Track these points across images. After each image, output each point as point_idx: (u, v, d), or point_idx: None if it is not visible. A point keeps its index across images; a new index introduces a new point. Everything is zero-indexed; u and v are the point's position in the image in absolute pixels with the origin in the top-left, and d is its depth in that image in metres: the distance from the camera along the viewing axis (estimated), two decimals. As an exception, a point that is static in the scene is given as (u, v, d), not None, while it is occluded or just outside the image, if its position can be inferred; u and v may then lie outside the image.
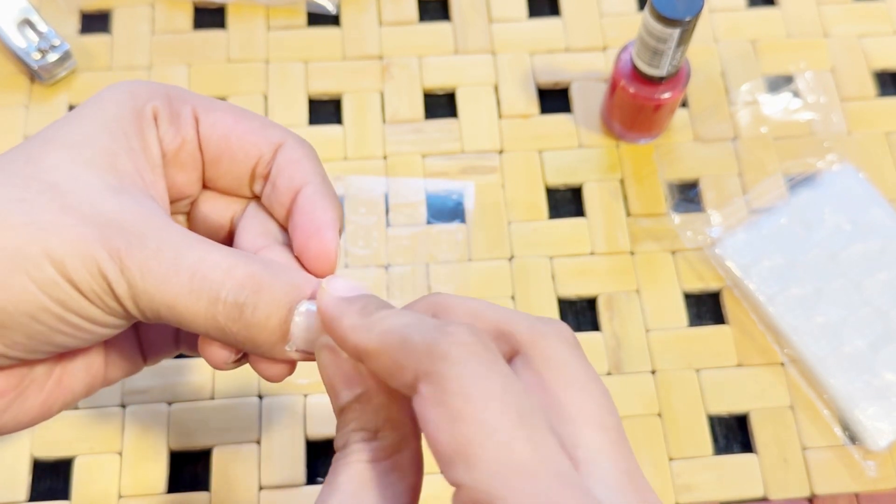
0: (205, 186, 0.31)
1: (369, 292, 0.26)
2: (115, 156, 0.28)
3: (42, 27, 0.47)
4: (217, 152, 0.30)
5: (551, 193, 0.47)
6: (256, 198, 0.31)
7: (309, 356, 0.27)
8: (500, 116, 0.48)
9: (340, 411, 0.25)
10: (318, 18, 0.51)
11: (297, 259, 0.29)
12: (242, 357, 0.28)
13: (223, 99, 0.48)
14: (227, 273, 0.26)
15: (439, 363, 0.22)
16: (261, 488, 0.40)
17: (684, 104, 0.49)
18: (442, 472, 0.22)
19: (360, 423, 0.25)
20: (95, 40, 0.49)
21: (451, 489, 0.21)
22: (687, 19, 0.40)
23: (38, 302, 0.26)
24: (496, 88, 0.49)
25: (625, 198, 0.46)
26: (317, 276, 0.28)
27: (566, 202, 0.47)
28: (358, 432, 0.25)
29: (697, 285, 0.45)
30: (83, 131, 0.28)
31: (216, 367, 0.29)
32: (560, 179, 0.47)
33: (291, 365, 0.28)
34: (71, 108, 0.48)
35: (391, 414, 0.26)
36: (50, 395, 0.31)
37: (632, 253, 0.45)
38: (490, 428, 0.21)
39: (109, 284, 0.26)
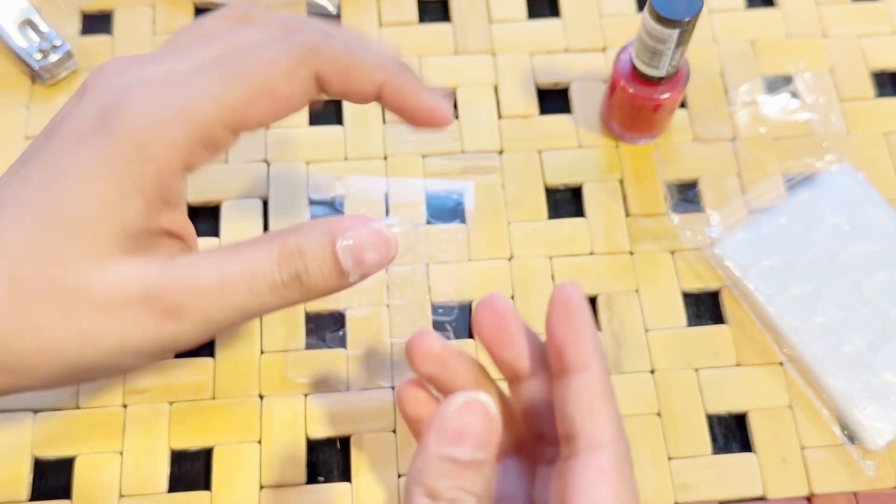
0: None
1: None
2: (126, 225, 0.28)
3: (43, 28, 0.48)
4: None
5: (551, 193, 0.47)
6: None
7: (372, 274, 0.29)
8: (499, 117, 0.48)
9: (453, 462, 0.26)
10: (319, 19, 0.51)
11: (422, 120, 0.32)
12: None
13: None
14: (268, 260, 0.28)
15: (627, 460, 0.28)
16: (261, 487, 0.40)
17: (683, 104, 0.49)
18: None
19: (473, 487, 0.26)
20: (97, 41, 0.49)
21: None
22: (686, 20, 0.40)
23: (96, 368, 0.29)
24: (496, 89, 0.49)
25: (624, 198, 0.47)
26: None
27: (566, 202, 0.47)
28: (471, 496, 0.26)
29: (696, 285, 0.45)
30: (88, 206, 0.27)
31: None
32: (560, 179, 0.47)
33: None
34: (72, 108, 0.48)
35: (492, 487, 0.27)
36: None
37: (631, 253, 0.45)
38: None
39: (174, 338, 0.28)
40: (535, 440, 0.32)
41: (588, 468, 0.27)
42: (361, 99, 0.32)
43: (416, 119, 0.33)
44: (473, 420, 0.27)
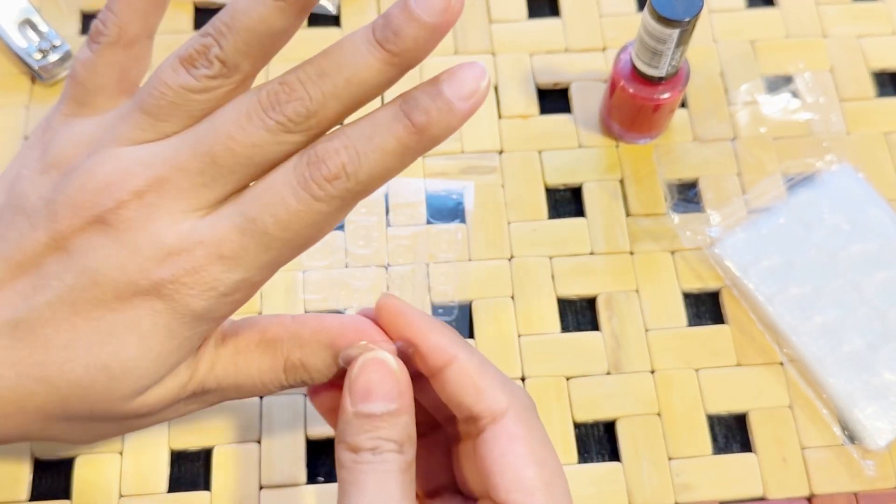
0: None
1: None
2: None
3: (43, 27, 0.48)
4: None
5: (551, 193, 0.47)
6: None
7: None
8: (499, 117, 0.49)
9: (368, 417, 0.28)
10: (319, 19, 0.51)
11: None
12: None
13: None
14: (273, 367, 0.31)
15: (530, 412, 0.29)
16: (261, 487, 0.40)
17: (683, 104, 0.49)
18: (508, 497, 0.27)
19: (391, 434, 0.28)
20: (96, 41, 0.49)
21: None
22: (686, 20, 0.40)
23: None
24: (496, 89, 0.49)
25: (624, 198, 0.47)
26: None
27: (566, 202, 0.47)
28: (389, 442, 0.28)
29: (696, 285, 0.45)
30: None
31: None
32: (560, 179, 0.47)
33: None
34: (72, 108, 0.48)
35: (412, 432, 0.29)
36: None
37: (631, 253, 0.45)
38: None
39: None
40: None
41: (498, 437, 0.28)
42: None
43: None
44: (376, 376, 0.28)
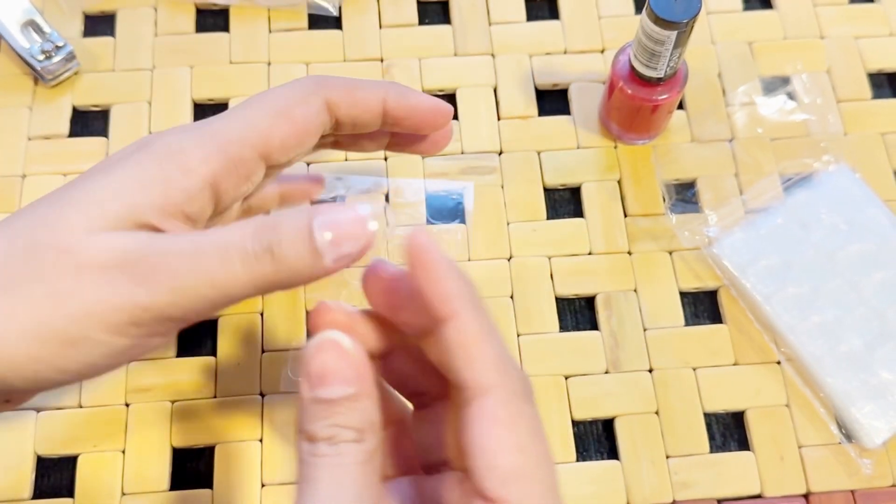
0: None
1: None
2: (138, 213, 0.29)
3: (46, 29, 0.48)
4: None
5: (550, 194, 0.47)
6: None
7: (349, 261, 0.28)
8: (499, 118, 0.49)
9: (327, 403, 0.26)
10: (320, 20, 0.51)
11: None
12: None
13: (226, 101, 0.49)
14: (241, 232, 0.28)
15: (521, 396, 0.27)
16: (263, 485, 0.40)
17: (682, 105, 0.49)
18: (482, 483, 0.25)
19: (348, 420, 0.26)
20: (99, 42, 0.50)
21: None
22: (684, 21, 0.40)
23: (71, 358, 0.28)
24: (495, 90, 0.49)
25: (623, 198, 0.47)
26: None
27: (565, 202, 0.47)
28: (347, 430, 0.26)
29: (694, 284, 0.45)
30: (115, 187, 0.30)
31: None
32: (559, 180, 0.47)
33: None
34: (74, 109, 0.48)
35: (375, 418, 0.27)
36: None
37: (629, 253, 0.45)
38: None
39: (141, 306, 0.28)
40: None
41: (479, 416, 0.26)
42: (369, 116, 0.35)
43: (422, 118, 0.36)
44: (329, 359, 0.27)
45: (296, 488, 0.26)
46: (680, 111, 0.49)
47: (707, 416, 0.42)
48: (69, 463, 0.40)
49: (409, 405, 0.32)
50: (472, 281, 0.28)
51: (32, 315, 0.28)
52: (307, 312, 0.43)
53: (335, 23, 0.51)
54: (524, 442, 0.26)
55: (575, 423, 0.42)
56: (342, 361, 0.27)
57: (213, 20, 0.51)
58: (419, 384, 0.31)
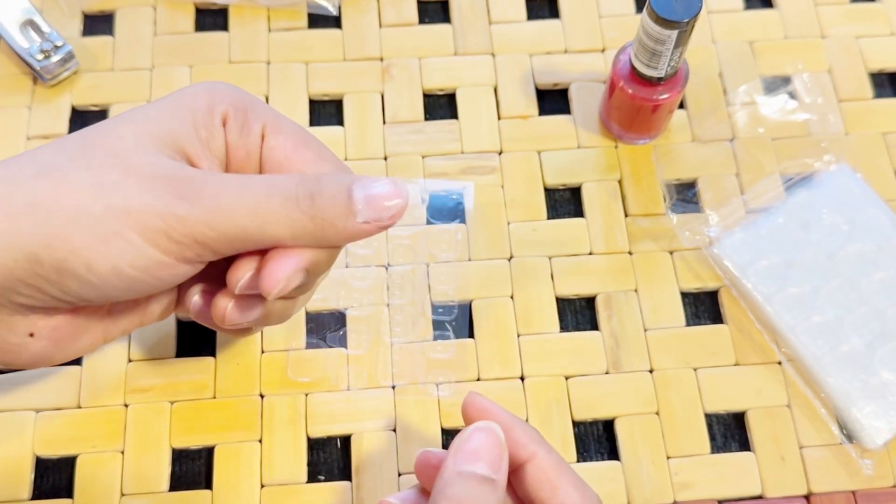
0: None
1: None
2: (178, 138, 0.31)
3: (45, 28, 0.48)
4: (271, 174, 0.33)
5: (550, 193, 0.47)
6: None
7: (378, 227, 0.31)
8: (499, 117, 0.49)
9: (469, 477, 0.29)
10: (319, 20, 0.51)
11: None
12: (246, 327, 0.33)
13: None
14: (288, 177, 0.30)
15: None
16: (262, 486, 0.40)
17: (682, 105, 0.49)
18: None
19: (487, 501, 0.29)
20: (98, 41, 0.50)
21: None
22: (685, 21, 0.40)
23: (101, 255, 0.29)
24: (496, 89, 0.49)
25: (623, 198, 0.47)
26: None
27: (565, 202, 0.47)
28: None
29: (695, 284, 0.45)
30: (156, 115, 0.31)
31: (224, 319, 0.33)
32: (559, 180, 0.47)
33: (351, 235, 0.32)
34: (73, 109, 0.48)
35: None
36: (103, 331, 0.34)
37: (630, 253, 0.45)
38: None
39: (182, 220, 0.29)
40: None
41: None
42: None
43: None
44: (485, 441, 0.30)
45: None
46: (681, 111, 0.49)
47: (708, 416, 0.42)
48: (68, 463, 0.40)
49: None
50: (533, 427, 0.32)
51: (75, 199, 0.29)
52: (307, 314, 0.43)
53: (335, 22, 0.51)
54: None
55: (575, 424, 0.42)
56: (495, 448, 0.30)
57: (212, 20, 0.51)
58: None
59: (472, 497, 0.29)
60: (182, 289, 0.35)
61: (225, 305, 0.33)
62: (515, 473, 0.31)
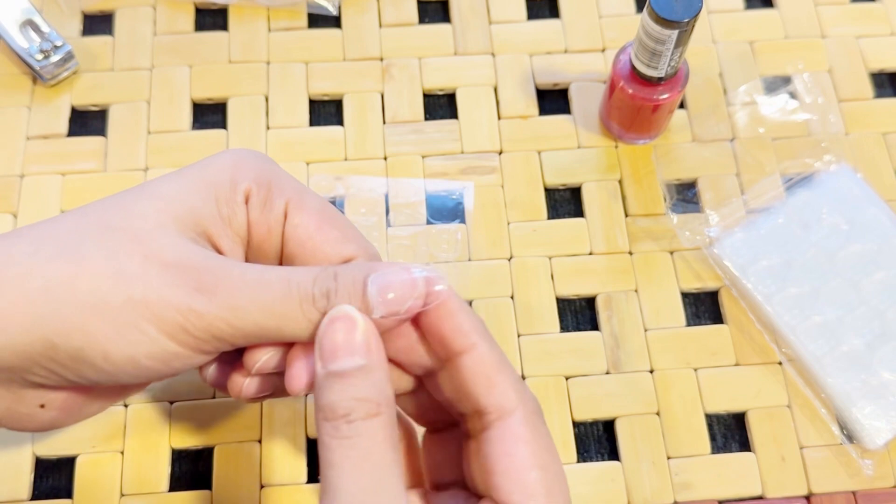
0: None
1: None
2: (200, 217, 0.30)
3: (44, 28, 0.48)
4: (292, 253, 0.32)
5: (550, 193, 0.47)
6: None
7: (397, 321, 0.29)
8: (499, 117, 0.49)
9: (340, 376, 0.27)
10: (319, 20, 0.51)
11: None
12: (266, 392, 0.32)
13: (224, 101, 0.48)
14: (306, 273, 0.29)
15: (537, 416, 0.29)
16: (262, 486, 0.40)
17: (682, 105, 0.49)
18: (509, 498, 0.28)
19: (364, 393, 0.27)
20: (97, 41, 0.50)
21: None
22: (685, 21, 0.40)
23: (118, 346, 0.28)
24: (496, 89, 0.49)
25: (623, 198, 0.47)
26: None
27: (565, 202, 0.47)
28: (362, 403, 0.27)
29: (695, 285, 0.45)
30: (177, 189, 0.31)
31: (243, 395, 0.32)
32: (559, 180, 0.47)
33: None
34: (73, 109, 0.48)
35: (388, 392, 0.28)
36: (115, 398, 0.34)
37: (630, 253, 0.45)
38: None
39: (199, 315, 0.28)
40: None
41: (503, 436, 0.28)
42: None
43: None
44: (341, 332, 0.28)
45: (321, 474, 0.27)
46: (681, 111, 0.49)
47: (708, 416, 0.42)
48: (68, 464, 0.40)
49: (417, 425, 0.34)
50: (479, 316, 0.30)
51: (93, 287, 0.28)
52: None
53: (335, 22, 0.51)
54: (545, 459, 0.28)
55: (575, 424, 0.42)
56: (353, 334, 0.28)
57: (212, 19, 0.51)
58: (425, 417, 0.33)
59: (344, 399, 0.27)
60: None
61: (241, 383, 0.32)
62: (451, 362, 0.29)
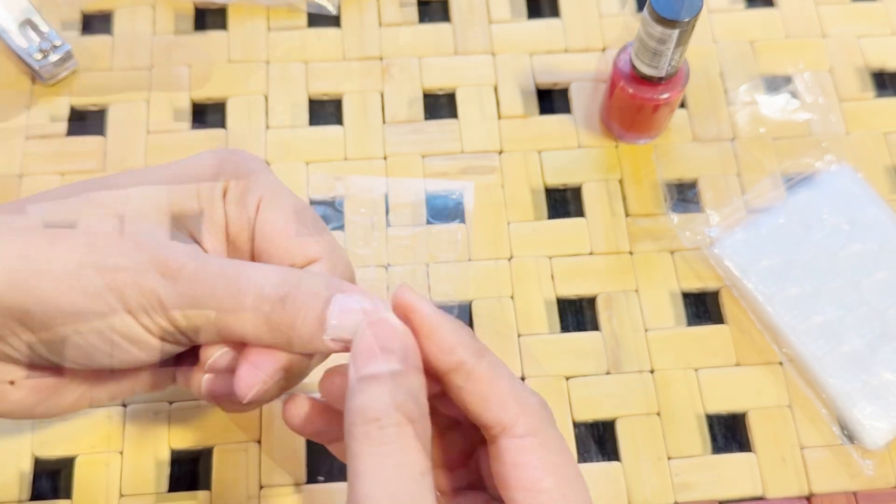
0: None
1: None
2: (181, 209, 0.32)
3: (43, 28, 0.48)
4: (260, 248, 0.33)
5: (550, 193, 0.47)
6: None
7: (344, 347, 0.28)
8: (499, 117, 0.49)
9: (372, 380, 0.26)
10: (319, 19, 0.51)
11: None
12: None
13: (224, 101, 0.48)
14: (267, 274, 0.29)
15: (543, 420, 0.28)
16: (261, 487, 0.40)
17: (683, 104, 0.49)
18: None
19: (397, 399, 0.26)
20: (97, 41, 0.49)
21: None
22: (686, 20, 0.40)
23: (85, 315, 0.29)
24: (496, 89, 0.49)
25: (623, 198, 0.47)
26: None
27: (565, 202, 0.47)
28: (394, 412, 0.26)
29: (696, 285, 0.45)
30: (163, 179, 0.32)
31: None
32: (559, 179, 0.47)
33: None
34: (72, 108, 0.48)
35: (423, 399, 0.27)
36: (83, 394, 0.34)
37: (630, 253, 0.45)
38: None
39: (159, 298, 0.29)
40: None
41: (509, 448, 0.28)
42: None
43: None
44: (378, 336, 0.27)
45: (348, 481, 0.26)
46: (681, 110, 0.49)
47: (708, 417, 0.42)
48: (67, 464, 0.40)
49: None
50: (464, 324, 0.28)
51: (69, 256, 0.29)
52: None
53: (334, 21, 0.51)
54: (557, 462, 0.28)
55: (576, 425, 0.42)
56: (390, 340, 0.27)
57: (211, 19, 0.51)
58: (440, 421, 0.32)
59: (376, 405, 0.26)
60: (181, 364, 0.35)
61: (199, 380, 0.32)
62: (442, 381, 0.28)
